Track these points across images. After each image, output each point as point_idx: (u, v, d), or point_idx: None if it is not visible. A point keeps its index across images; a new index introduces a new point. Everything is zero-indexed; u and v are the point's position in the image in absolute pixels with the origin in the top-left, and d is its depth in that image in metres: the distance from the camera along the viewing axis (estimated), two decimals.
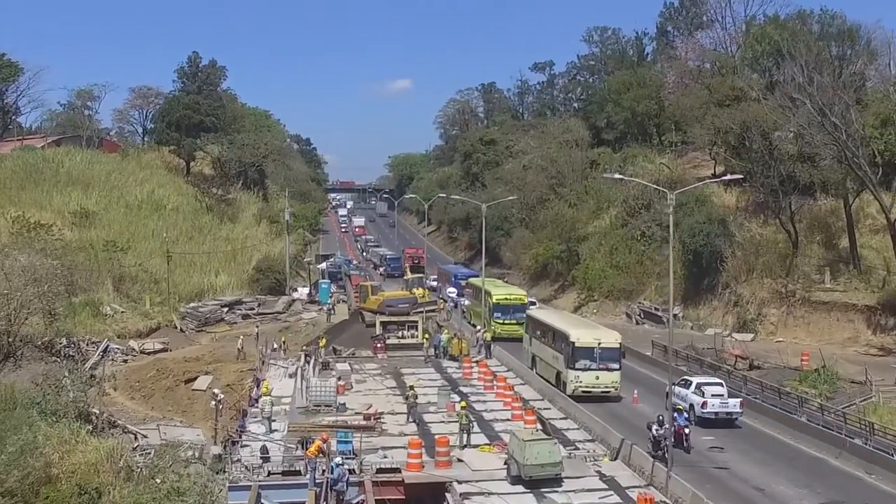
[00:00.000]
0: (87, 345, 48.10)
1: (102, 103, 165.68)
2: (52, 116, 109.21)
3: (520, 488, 25.01)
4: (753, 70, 73.12)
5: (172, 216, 76.27)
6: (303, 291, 70.50)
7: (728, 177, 39.36)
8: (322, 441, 26.29)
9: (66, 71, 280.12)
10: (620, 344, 37.06)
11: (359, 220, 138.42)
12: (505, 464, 26.34)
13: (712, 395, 32.66)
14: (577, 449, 29.10)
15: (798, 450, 29.88)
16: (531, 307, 51.86)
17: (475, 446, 29.04)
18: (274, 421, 31.42)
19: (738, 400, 33.10)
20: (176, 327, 56.76)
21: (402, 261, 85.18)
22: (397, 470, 26.25)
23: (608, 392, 36.29)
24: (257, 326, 54.15)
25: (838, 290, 51.41)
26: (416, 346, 48.82)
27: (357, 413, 33.64)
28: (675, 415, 28.08)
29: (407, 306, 53.04)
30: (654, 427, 27.59)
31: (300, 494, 24.47)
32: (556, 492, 24.75)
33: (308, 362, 41.30)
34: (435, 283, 75.41)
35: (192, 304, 61.35)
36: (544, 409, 35.14)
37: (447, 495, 25.01)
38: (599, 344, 36.35)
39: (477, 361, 44.74)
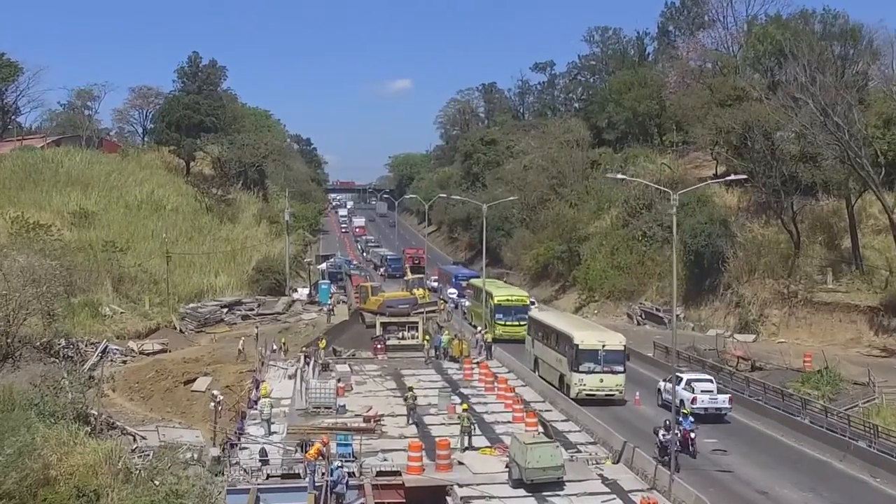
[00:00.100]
0: (86, 346, 47.93)
1: (102, 103, 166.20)
2: (51, 116, 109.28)
3: (521, 492, 24.80)
4: (755, 70, 72.89)
5: (172, 216, 76.12)
6: (303, 292, 70.30)
7: (732, 177, 39.02)
8: (322, 444, 26.06)
9: (65, 71, 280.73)
10: (625, 346, 36.62)
11: (359, 221, 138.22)
12: (506, 467, 26.12)
13: (702, 391, 33.43)
14: (578, 452, 28.87)
15: (801, 452, 29.65)
16: (531, 308, 51.61)
17: (476, 449, 28.82)
18: (273, 423, 31.21)
19: (727, 396, 33.90)
20: (175, 328, 56.56)
21: (402, 261, 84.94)
22: (397, 473, 26.02)
23: (612, 395, 35.84)
24: (257, 327, 53.93)
25: (840, 291, 51.17)
26: (416, 347, 48.61)
27: (357, 415, 33.40)
28: (681, 419, 27.72)
29: (407, 307, 52.77)
30: (661, 432, 27.15)
31: (299, 498, 24.26)
32: (559, 496, 24.55)
33: (308, 364, 41.09)
34: (436, 284, 75.18)
35: (191, 305, 61.13)
36: (545, 410, 34.94)
37: (448, 499, 24.80)
38: (604, 346, 35.90)
39: (478, 363, 44.52)
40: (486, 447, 29.15)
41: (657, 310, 58.82)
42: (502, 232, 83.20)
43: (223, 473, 26.12)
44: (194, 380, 42.93)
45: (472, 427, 29.72)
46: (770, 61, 68.29)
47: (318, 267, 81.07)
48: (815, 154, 49.95)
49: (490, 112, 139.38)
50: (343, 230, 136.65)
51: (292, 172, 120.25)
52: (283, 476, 26.01)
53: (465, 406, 31.45)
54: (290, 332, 54.90)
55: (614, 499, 24.57)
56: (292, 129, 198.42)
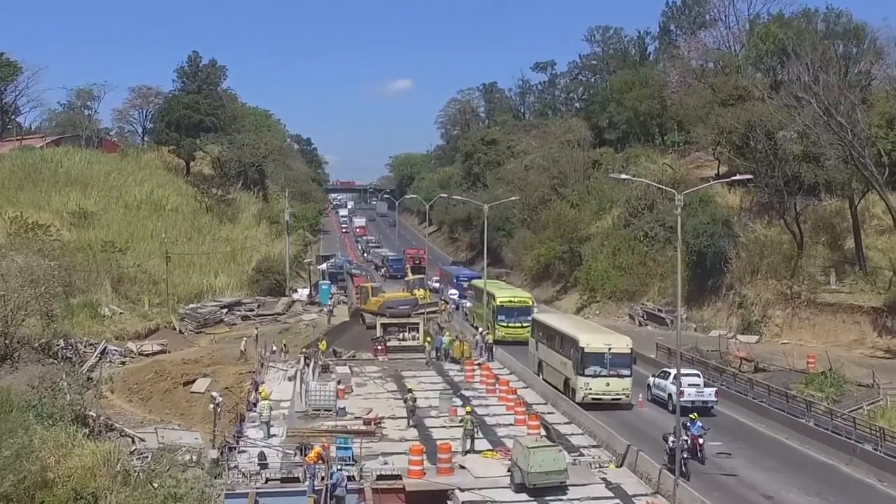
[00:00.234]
0: (85, 346, 47.66)
1: (102, 103, 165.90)
2: (51, 116, 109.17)
3: (524, 496, 24.54)
4: (757, 69, 72.53)
5: (172, 216, 75.85)
6: (303, 293, 70.06)
7: (738, 177, 38.60)
8: (322, 448, 25.77)
9: (65, 70, 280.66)
10: (631, 349, 36.01)
11: (360, 221, 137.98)
12: (508, 471, 25.83)
13: (689, 385, 34.06)
14: (581, 455, 28.57)
15: (806, 455, 29.34)
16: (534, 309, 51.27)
17: (478, 452, 28.53)
18: (272, 426, 30.92)
19: (713, 389, 34.83)
20: (175, 329, 56.28)
21: (404, 262, 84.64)
22: (398, 477, 25.76)
23: (619, 399, 35.27)
24: (256, 328, 53.68)
25: (844, 292, 50.83)
26: (417, 348, 48.36)
27: (357, 418, 33.13)
28: (689, 423, 27.22)
29: (407, 308, 52.54)
30: (671, 438, 26.46)
31: (299, 502, 24.00)
32: (561, 500, 24.31)
33: (307, 365, 40.81)
34: (437, 285, 74.88)
35: (191, 306, 60.86)
36: (548, 413, 34.71)
37: (449, 503, 24.48)
38: (610, 349, 35.27)
39: (479, 364, 44.22)
40: (488, 450, 28.86)
41: (659, 310, 58.51)
42: (503, 232, 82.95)
43: (221, 476, 25.85)
44: (193, 381, 42.65)
45: (475, 430, 29.41)
46: (772, 60, 67.90)
47: (319, 267, 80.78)
48: (818, 154, 49.59)
49: (491, 112, 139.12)
50: (343, 230, 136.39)
51: (292, 172, 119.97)
52: (283, 480, 25.73)
53: (468, 409, 31.16)
54: (290, 333, 54.67)
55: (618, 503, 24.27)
56: (292, 129, 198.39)
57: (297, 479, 25.47)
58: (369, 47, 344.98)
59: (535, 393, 38.80)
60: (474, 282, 62.40)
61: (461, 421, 29.72)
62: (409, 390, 34.65)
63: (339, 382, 37.87)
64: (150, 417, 38.57)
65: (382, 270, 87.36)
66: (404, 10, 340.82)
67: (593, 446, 29.85)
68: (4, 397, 29.85)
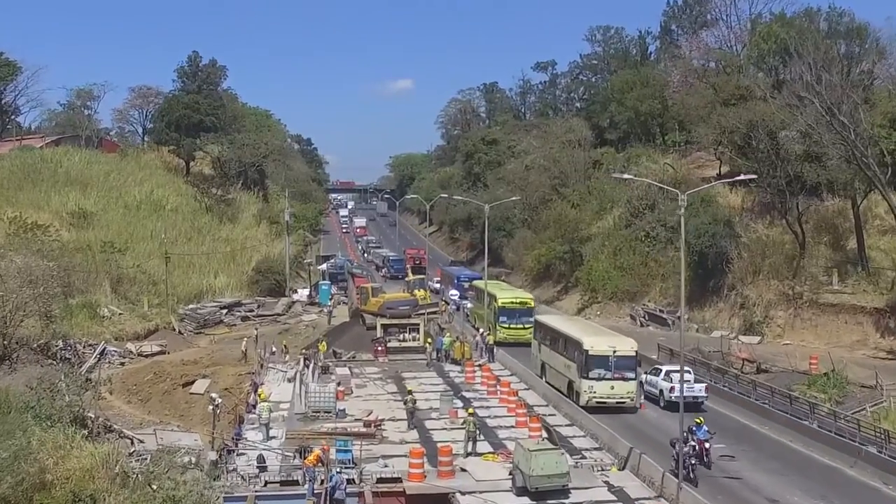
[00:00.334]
0: (84, 347, 47.50)
1: (102, 103, 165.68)
2: (51, 116, 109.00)
3: (525, 500, 24.30)
4: (759, 69, 72.28)
5: (171, 217, 75.62)
6: (303, 293, 69.85)
7: (742, 176, 38.32)
8: (322, 451, 25.54)
9: (65, 70, 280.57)
10: (636, 352, 35.62)
11: (360, 221, 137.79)
12: (510, 474, 25.58)
13: (678, 381, 34.30)
14: (583, 458, 28.32)
15: (810, 458, 29.11)
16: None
17: (479, 454, 28.30)
18: (271, 428, 30.70)
19: (703, 385, 35.55)
20: (174, 329, 56.10)
21: (405, 262, 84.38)
22: (398, 480, 25.54)
23: (623, 403, 34.83)
24: (256, 329, 53.47)
25: (846, 292, 50.58)
26: (417, 349, 48.12)
27: (357, 420, 32.89)
28: (694, 427, 26.85)
29: (408, 309, 52.32)
30: (679, 445, 25.92)
31: None
32: None
33: (307, 366, 40.60)
34: (438, 286, 74.63)
35: (190, 306, 60.67)
36: (549, 415, 34.48)
37: None
38: (615, 352, 34.85)
39: (480, 365, 43.97)
40: (490, 453, 28.61)
41: (660, 311, 58.28)
42: (504, 232, 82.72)
43: (220, 478, 25.64)
44: (193, 382, 42.51)
45: (477, 432, 29.19)
46: (774, 60, 67.69)
47: (319, 268, 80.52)
48: (821, 154, 49.36)
49: (491, 112, 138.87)
50: (344, 230, 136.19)
51: (292, 172, 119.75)
52: (282, 483, 25.50)
53: (470, 410, 30.95)
54: (290, 334, 54.49)
55: None
56: (293, 129, 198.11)
57: (296, 482, 25.24)
58: (369, 47, 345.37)
59: (537, 394, 38.55)
60: (475, 282, 62.11)
61: (463, 423, 29.47)
62: (410, 392, 34.41)
63: (338, 384, 37.64)
64: (149, 419, 38.40)
65: (383, 271, 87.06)
66: (404, 10, 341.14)
67: (595, 448, 29.62)
68: (3, 398, 29.69)
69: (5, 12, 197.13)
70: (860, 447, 27.99)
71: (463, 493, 24.70)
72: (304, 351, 45.16)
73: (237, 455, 27.95)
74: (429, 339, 48.61)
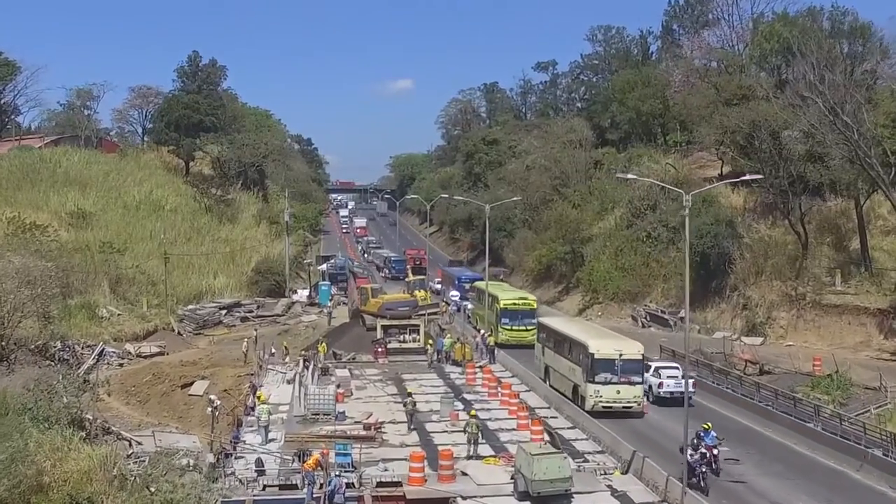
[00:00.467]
0: (83, 348, 47.24)
1: (102, 103, 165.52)
2: (51, 116, 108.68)
3: None
4: (761, 68, 72.05)
5: (171, 217, 75.37)
6: (303, 294, 69.58)
7: (747, 176, 37.95)
8: (321, 455, 25.22)
9: (64, 70, 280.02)
10: (643, 355, 35.10)
11: (360, 221, 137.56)
12: (511, 478, 25.25)
13: (668, 377, 36.48)
14: (586, 461, 27.95)
15: (815, 461, 28.77)
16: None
17: (481, 457, 27.99)
18: (270, 430, 30.39)
19: (692, 381, 35.04)
20: (173, 330, 55.86)
21: (406, 263, 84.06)
22: (398, 484, 25.14)
23: (630, 408, 34.28)
24: (256, 329, 53.19)
25: (849, 293, 50.31)
26: (417, 350, 47.80)
27: (357, 422, 32.56)
28: (702, 433, 26.31)
29: (407, 310, 51.93)
30: (689, 451, 25.37)
31: None
32: None
33: (307, 368, 40.30)
34: (439, 287, 74.31)
35: (189, 307, 60.43)
36: (551, 417, 34.14)
37: None
38: (621, 356, 34.18)
39: (481, 367, 43.64)
40: (491, 456, 28.29)
41: (662, 312, 57.98)
42: (504, 233, 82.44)
43: (218, 481, 25.35)
44: (192, 383, 42.24)
45: (479, 434, 28.89)
46: (777, 59, 67.45)
47: (319, 268, 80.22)
48: (824, 154, 49.09)
49: (492, 112, 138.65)
50: (344, 231, 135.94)
51: (292, 172, 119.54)
52: (281, 487, 25.18)
53: (472, 412, 30.63)
54: (289, 335, 54.23)
55: None
56: (293, 129, 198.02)
57: (295, 486, 24.91)
58: (369, 47, 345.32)
59: (538, 396, 38.20)
60: (477, 283, 61.75)
61: (466, 425, 29.15)
62: (409, 394, 34.10)
63: (338, 386, 37.32)
64: (147, 420, 38.07)
65: (384, 272, 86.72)
66: (404, 10, 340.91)
67: (598, 452, 29.24)
68: (0, 400, 29.38)
69: (5, 12, 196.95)
70: (866, 450, 27.65)
71: (464, 498, 24.38)
72: (303, 352, 44.86)
73: (235, 458, 27.63)
74: (430, 341, 48.26)
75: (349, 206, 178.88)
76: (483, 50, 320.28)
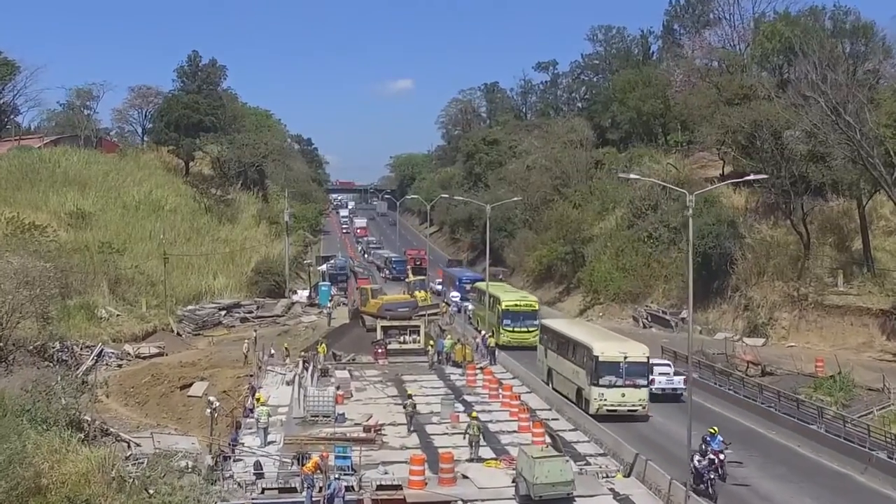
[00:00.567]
0: (81, 349, 46.98)
1: (101, 103, 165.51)
2: (50, 116, 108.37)
3: None
4: (763, 68, 71.83)
5: (170, 217, 75.12)
6: (302, 294, 69.33)
7: (751, 176, 37.67)
8: (321, 458, 24.99)
9: (64, 70, 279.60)
10: (648, 358, 34.65)
11: (360, 221, 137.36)
12: (513, 481, 25.00)
13: (659, 374, 36.89)
14: (587, 464, 27.69)
15: (819, 464, 28.53)
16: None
17: (482, 460, 27.75)
18: (269, 433, 30.16)
19: (682, 378, 36.15)
20: (172, 331, 55.64)
21: (406, 263, 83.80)
22: (398, 487, 24.89)
23: (635, 411, 33.78)
24: (255, 330, 52.97)
25: (852, 294, 50.08)
26: (417, 351, 47.56)
27: (356, 424, 32.32)
28: (708, 438, 25.83)
29: (407, 310, 51.71)
30: (697, 457, 24.94)
31: None
32: None
33: (306, 369, 40.06)
34: (440, 287, 74.04)
35: (189, 307, 60.18)
36: (552, 419, 33.90)
37: None
38: (626, 358, 33.70)
39: (481, 368, 43.40)
40: (492, 459, 28.04)
41: (663, 312, 57.77)
42: (505, 233, 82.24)
43: (216, 484, 25.14)
44: (191, 384, 42.05)
45: (480, 436, 28.65)
46: (779, 59, 67.25)
47: (319, 268, 79.99)
48: (826, 154, 48.89)
49: (492, 112, 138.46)
50: (344, 231, 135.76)
51: (292, 172, 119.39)
52: (280, 490, 24.95)
53: (473, 414, 30.39)
54: (289, 335, 54.00)
55: None
56: (293, 129, 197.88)
57: (294, 490, 24.67)
58: (369, 47, 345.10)
59: (540, 398, 37.94)
60: (478, 284, 61.48)
61: (467, 427, 28.91)
62: (409, 396, 33.87)
63: (338, 387, 37.08)
64: (146, 422, 37.86)
65: (385, 272, 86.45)
66: (404, 10, 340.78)
67: (600, 454, 28.97)
68: None
69: (5, 12, 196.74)
70: (870, 453, 27.39)
71: (465, 501, 24.14)
72: (303, 353, 44.63)
73: (234, 461, 27.40)
74: (430, 342, 48.03)
75: (349, 207, 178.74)
76: (483, 50, 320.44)
